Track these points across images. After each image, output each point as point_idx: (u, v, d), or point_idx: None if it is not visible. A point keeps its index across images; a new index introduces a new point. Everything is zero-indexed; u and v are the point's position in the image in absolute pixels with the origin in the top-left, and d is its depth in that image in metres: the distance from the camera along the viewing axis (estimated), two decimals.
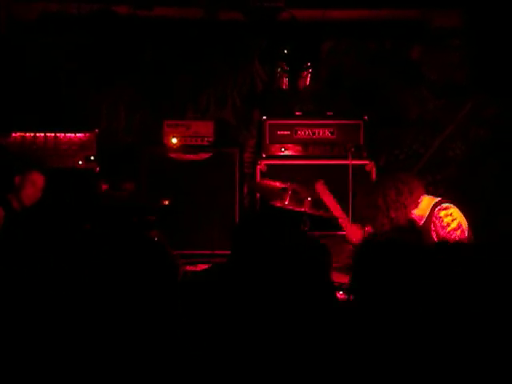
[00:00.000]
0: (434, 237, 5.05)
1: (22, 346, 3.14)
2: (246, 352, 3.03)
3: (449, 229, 4.98)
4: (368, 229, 5.50)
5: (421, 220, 5.14)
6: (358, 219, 5.75)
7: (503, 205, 7.14)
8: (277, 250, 3.59)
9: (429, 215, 5.09)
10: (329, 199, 5.64)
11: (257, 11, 6.83)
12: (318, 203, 5.75)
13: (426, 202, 5.13)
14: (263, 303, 3.21)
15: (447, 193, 5.77)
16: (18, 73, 7.22)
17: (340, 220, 5.70)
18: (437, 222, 5.03)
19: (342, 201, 6.17)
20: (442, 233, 4.98)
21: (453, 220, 5.01)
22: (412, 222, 5.21)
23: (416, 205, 5.12)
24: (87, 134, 6.85)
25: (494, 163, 7.38)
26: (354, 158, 6.67)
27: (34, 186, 5.98)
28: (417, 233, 5.20)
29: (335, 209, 5.66)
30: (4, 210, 5.80)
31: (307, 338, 3.03)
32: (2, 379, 3.04)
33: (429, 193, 5.28)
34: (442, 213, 5.04)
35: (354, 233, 5.59)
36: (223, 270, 3.91)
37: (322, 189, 5.64)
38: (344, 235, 5.75)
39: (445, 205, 5.08)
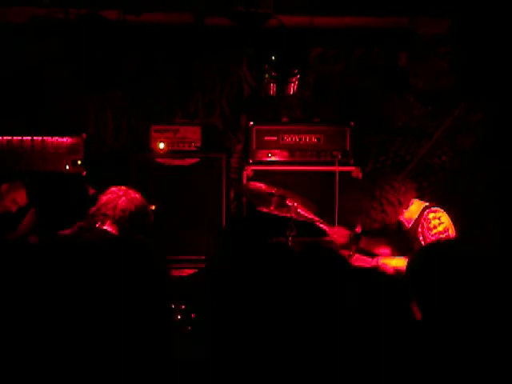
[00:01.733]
0: (421, 239, 5.10)
1: (18, 345, 3.15)
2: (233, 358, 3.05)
3: (434, 231, 5.03)
4: (358, 229, 5.54)
5: (409, 223, 5.19)
6: (343, 224, 5.79)
7: (490, 211, 7.17)
8: (263, 254, 3.62)
9: (418, 217, 5.14)
10: (304, 208, 5.68)
11: (244, 17, 6.84)
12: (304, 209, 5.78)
13: (417, 206, 5.19)
14: (251, 308, 3.22)
15: (434, 199, 5.78)
16: (5, 76, 7.21)
17: (320, 225, 5.74)
18: (424, 223, 5.09)
19: (328, 206, 6.23)
20: (427, 234, 5.05)
21: (440, 224, 5.07)
22: (399, 224, 5.25)
23: (407, 206, 5.16)
24: (74, 138, 6.85)
25: (482, 170, 7.40)
26: (340, 164, 6.71)
27: (16, 192, 5.96)
28: (403, 235, 5.25)
29: (310, 215, 5.71)
30: None
31: (296, 342, 3.04)
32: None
33: (419, 198, 5.33)
34: (431, 215, 5.10)
35: (339, 234, 5.63)
36: (208, 273, 3.93)
37: (295, 200, 5.67)
38: (329, 240, 5.79)
39: (434, 208, 5.13)
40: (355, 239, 5.47)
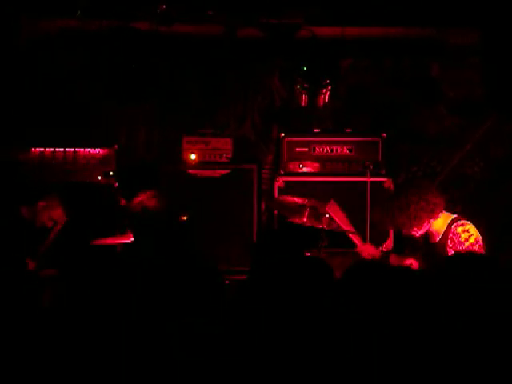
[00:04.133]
0: (451, 254, 5.06)
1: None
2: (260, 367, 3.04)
3: (467, 244, 5.00)
4: (386, 247, 5.52)
5: (437, 236, 5.15)
6: (375, 234, 5.77)
7: None
8: (295, 266, 3.61)
9: (445, 231, 5.10)
10: (340, 217, 5.66)
11: (275, 28, 6.86)
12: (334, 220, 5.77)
13: (443, 219, 5.15)
14: (282, 318, 3.21)
15: (465, 211, 5.75)
16: (39, 88, 7.27)
17: (351, 236, 5.72)
18: (454, 238, 5.05)
19: (359, 217, 6.20)
20: (459, 248, 4.99)
21: (470, 236, 5.03)
22: (426, 237, 5.22)
23: (436, 216, 5.12)
24: (106, 150, 6.89)
25: None
26: (372, 175, 6.68)
27: (53, 209, 6.01)
28: (430, 248, 5.21)
29: (346, 226, 5.68)
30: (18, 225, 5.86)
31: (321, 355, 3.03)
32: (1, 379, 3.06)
33: (446, 210, 5.29)
34: (459, 229, 5.06)
35: (367, 249, 5.60)
36: (243, 286, 3.92)
37: (333, 208, 5.66)
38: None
39: (461, 221, 5.10)
40: (384, 258, 5.45)
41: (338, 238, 5.98)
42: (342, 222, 5.69)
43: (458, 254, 4.36)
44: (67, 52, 7.27)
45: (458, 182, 7.53)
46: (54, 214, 6.02)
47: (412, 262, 5.33)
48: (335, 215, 5.67)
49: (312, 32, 6.84)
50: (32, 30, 7.21)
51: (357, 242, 5.74)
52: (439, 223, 5.13)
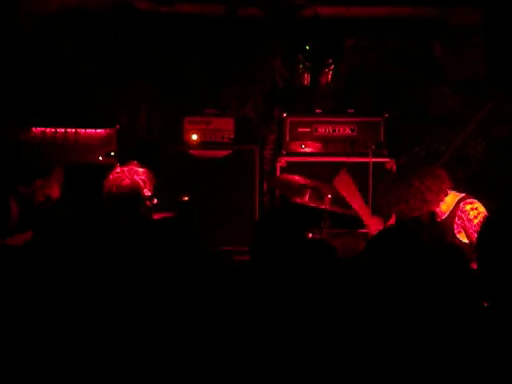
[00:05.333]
0: (457, 231, 5.06)
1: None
2: (263, 348, 3.03)
3: (476, 221, 4.99)
4: (391, 222, 5.50)
5: (443, 214, 5.15)
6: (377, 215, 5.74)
7: None
8: (297, 247, 3.60)
9: (453, 209, 5.10)
10: (350, 190, 5.62)
11: (279, 8, 6.83)
12: (338, 200, 5.75)
13: (452, 197, 5.15)
14: (284, 300, 3.21)
15: (468, 190, 5.74)
16: (39, 67, 7.23)
17: (360, 212, 5.68)
18: (463, 215, 5.05)
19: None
20: (469, 226, 5.01)
21: (479, 213, 5.03)
22: (432, 216, 5.22)
23: (446, 193, 5.11)
24: (107, 130, 6.86)
25: None
26: (374, 155, 6.66)
27: (57, 182, 5.99)
28: (436, 227, 5.20)
29: (355, 200, 5.64)
30: (18, 206, 5.82)
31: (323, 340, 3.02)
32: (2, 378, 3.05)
33: (454, 189, 5.28)
34: (468, 206, 5.07)
35: (375, 224, 5.58)
36: (245, 266, 3.92)
37: (340, 182, 5.62)
38: (363, 233, 5.76)
39: (469, 200, 5.10)
40: None
41: (340, 219, 5.97)
42: (349, 196, 5.65)
43: None
44: (68, 31, 7.22)
45: (461, 161, 7.51)
46: (50, 192, 5.99)
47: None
48: (342, 189, 5.63)
49: (315, 11, 6.81)
50: (32, 8, 7.18)
51: (364, 216, 5.70)
52: (448, 201, 5.14)
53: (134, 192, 5.03)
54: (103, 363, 3.05)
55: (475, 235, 4.90)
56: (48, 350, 3.13)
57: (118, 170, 5.17)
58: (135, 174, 5.08)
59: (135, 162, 5.24)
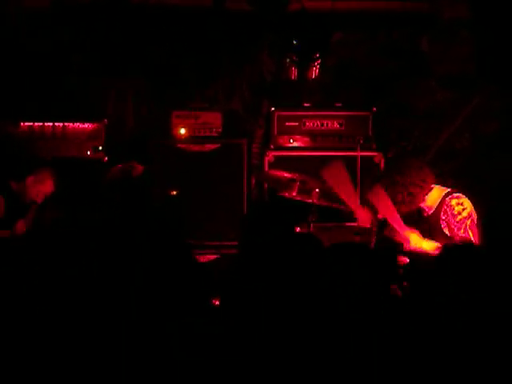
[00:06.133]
0: (444, 226, 5.07)
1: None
2: (255, 344, 3.04)
3: (459, 217, 5.00)
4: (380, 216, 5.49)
5: (430, 209, 5.15)
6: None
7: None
8: (285, 240, 3.60)
9: (439, 204, 5.10)
10: (340, 181, 5.58)
11: (266, 2, 6.82)
12: (326, 194, 5.74)
13: (437, 192, 5.15)
14: (273, 294, 3.21)
15: (455, 185, 5.75)
16: (28, 62, 7.21)
17: (349, 203, 5.65)
18: (448, 210, 5.06)
19: None
20: (452, 221, 5.02)
21: (464, 209, 5.04)
22: (419, 211, 5.22)
23: (429, 191, 5.12)
24: (95, 124, 6.85)
25: (502, 155, 7.36)
26: (362, 149, 6.65)
27: (42, 184, 5.98)
28: (424, 222, 5.21)
29: (345, 191, 5.62)
30: (6, 199, 5.82)
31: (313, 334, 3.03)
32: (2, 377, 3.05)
33: (440, 183, 5.29)
34: (454, 201, 5.07)
35: (364, 216, 5.56)
36: (233, 260, 3.92)
37: (336, 169, 5.58)
38: (351, 226, 5.75)
39: (456, 194, 5.10)
40: (380, 227, 5.41)
41: (328, 213, 5.96)
42: (338, 187, 5.61)
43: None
44: (56, 25, 7.20)
45: (447, 156, 7.52)
46: (44, 189, 5.98)
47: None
48: (331, 179, 5.60)
49: (302, 5, 6.81)
50: (19, 1, 7.16)
51: (354, 208, 5.65)
52: (434, 196, 5.14)
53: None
54: (103, 363, 3.06)
55: (455, 231, 4.99)
56: (48, 350, 3.13)
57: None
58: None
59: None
